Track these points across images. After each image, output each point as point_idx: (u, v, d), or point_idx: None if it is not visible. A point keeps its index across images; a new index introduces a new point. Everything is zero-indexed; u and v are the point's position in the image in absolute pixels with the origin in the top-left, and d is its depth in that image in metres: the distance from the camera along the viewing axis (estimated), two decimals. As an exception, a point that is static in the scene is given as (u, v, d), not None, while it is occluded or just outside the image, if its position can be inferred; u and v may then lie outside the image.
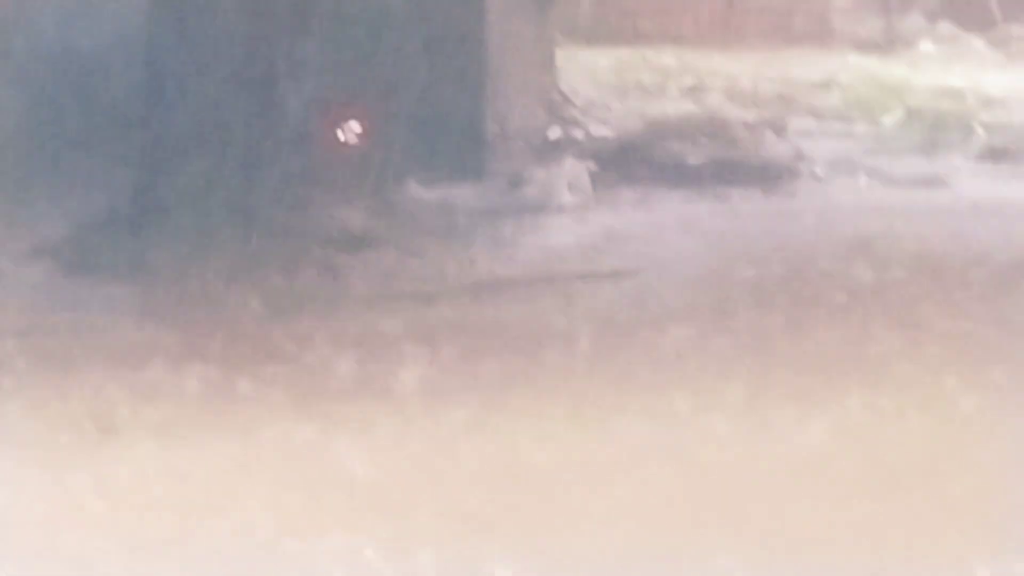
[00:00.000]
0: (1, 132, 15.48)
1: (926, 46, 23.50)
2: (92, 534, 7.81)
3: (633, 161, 16.92)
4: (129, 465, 8.70)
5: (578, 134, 17.90)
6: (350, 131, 15.35)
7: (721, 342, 11.20)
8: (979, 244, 14.44)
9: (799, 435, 9.55)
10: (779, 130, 18.14)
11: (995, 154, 17.59)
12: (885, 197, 16.46)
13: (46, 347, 11.33)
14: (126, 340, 11.60)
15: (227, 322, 12.13)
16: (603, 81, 20.58)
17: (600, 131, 18.18)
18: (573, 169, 16.41)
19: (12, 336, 11.45)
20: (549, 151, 17.14)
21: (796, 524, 7.91)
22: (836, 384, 10.44)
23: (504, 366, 10.63)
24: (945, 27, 24.66)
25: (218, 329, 11.82)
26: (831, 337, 11.45)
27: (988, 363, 10.51)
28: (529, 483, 8.83)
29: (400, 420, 9.86)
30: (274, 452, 9.21)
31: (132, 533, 7.82)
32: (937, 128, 18.64)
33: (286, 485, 8.84)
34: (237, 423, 9.72)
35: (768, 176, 16.59)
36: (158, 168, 14.34)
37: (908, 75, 21.88)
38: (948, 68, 22.54)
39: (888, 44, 23.20)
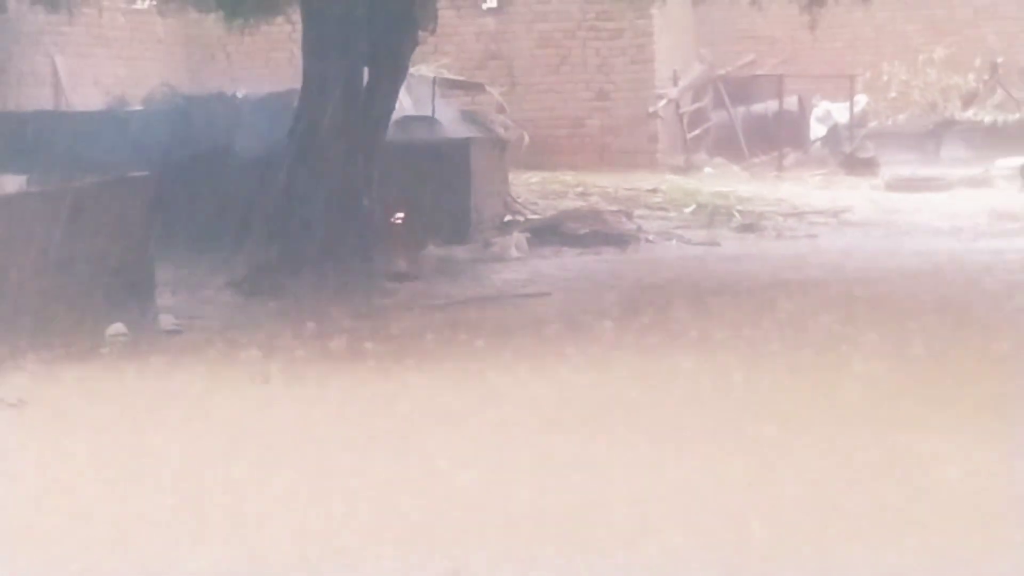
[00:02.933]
0: (204, 218, 15.25)
1: (708, 170, 23.05)
2: (252, 430, 8.61)
3: (549, 233, 17.42)
4: (279, 398, 9.54)
5: (520, 218, 18.19)
6: (398, 218, 15.73)
7: (597, 325, 11.99)
8: (735, 276, 15.04)
9: (638, 369, 10.37)
10: (629, 215, 18.66)
11: (744, 228, 18.11)
12: (685, 251, 17.07)
13: (233, 336, 11.82)
14: (275, 333, 11.83)
15: (334, 321, 12.36)
16: (533, 189, 20.46)
17: (532, 217, 18.68)
18: (518, 238, 16.98)
19: (216, 332, 12.17)
20: (505, 228, 17.65)
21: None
22: (656, 338, 11.22)
23: (486, 341, 11.50)
24: (718, 160, 23.92)
25: (329, 325, 12.14)
26: (657, 319, 12.12)
27: (739, 334, 11.01)
28: (501, 393, 9.68)
29: (431, 365, 10.65)
30: (373, 386, 9.96)
31: (274, 431, 8.55)
32: (714, 214, 19.16)
33: (391, 402, 9.57)
34: (337, 375, 10.44)
35: (623, 240, 17.19)
36: (291, 238, 14.40)
37: (698, 185, 21.83)
38: (720, 182, 21.76)
39: (687, 169, 22.66)
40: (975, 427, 8.37)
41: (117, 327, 11.62)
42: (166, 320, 12.40)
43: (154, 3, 17.62)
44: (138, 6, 18.17)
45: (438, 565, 6.29)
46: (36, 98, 17.87)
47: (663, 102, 23.48)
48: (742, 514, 6.76)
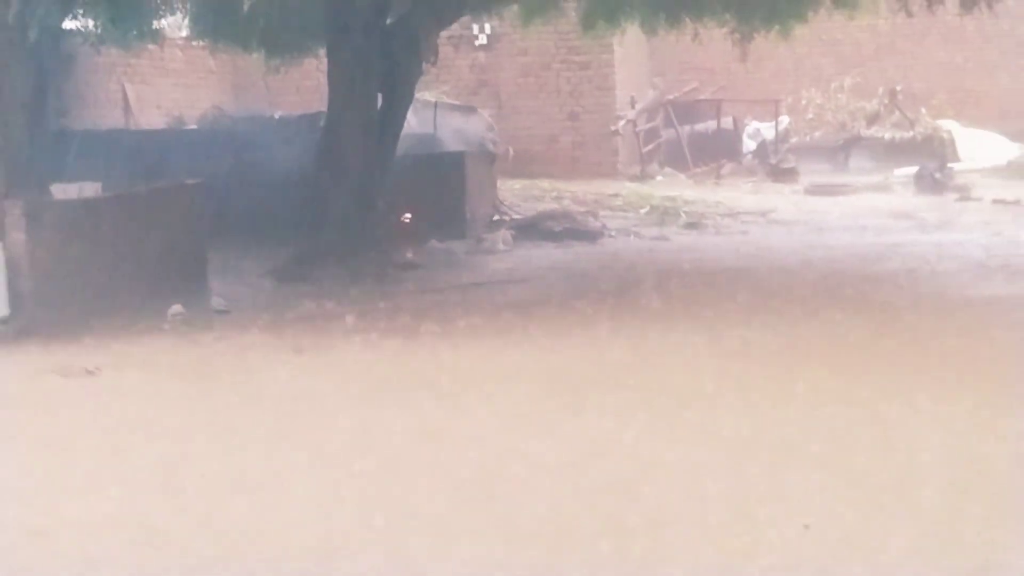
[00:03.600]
0: (247, 218, 15.24)
1: (659, 178, 23.02)
2: (288, 392, 8.89)
3: (530, 230, 17.48)
4: (310, 365, 9.73)
5: (506, 218, 18.33)
6: (405, 217, 15.96)
7: (568, 301, 12.34)
8: (681, 263, 14.96)
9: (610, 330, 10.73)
10: (595, 215, 18.70)
11: (689, 225, 18.35)
12: (641, 244, 17.16)
13: (271, 315, 11.88)
14: (305, 313, 11.96)
15: (353, 302, 12.40)
16: (517, 194, 20.26)
17: (516, 216, 18.53)
18: (504, 234, 17.04)
19: (257, 312, 12.18)
20: (493, 226, 17.72)
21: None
22: (617, 310, 11.61)
23: (479, 317, 11.63)
24: (667, 170, 23.85)
25: (349, 305, 12.17)
26: (618, 297, 12.44)
27: (686, 307, 11.49)
28: (491, 356, 10.09)
29: (433, 335, 10.76)
30: (387, 353, 10.15)
31: (307, 393, 8.85)
32: (664, 214, 19.30)
33: (404, 363, 10.04)
34: (357, 345, 10.52)
35: (590, 236, 17.24)
36: (318, 234, 14.66)
37: (651, 191, 21.71)
38: (669, 188, 22.01)
39: (642, 177, 22.53)
40: (857, 373, 8.79)
41: (176, 308, 11.79)
42: (216, 302, 12.53)
43: (202, 42, 17.60)
44: (193, 44, 18.24)
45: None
46: (110, 119, 18.15)
47: (622, 122, 23.60)
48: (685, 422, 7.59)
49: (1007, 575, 5.36)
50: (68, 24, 14.85)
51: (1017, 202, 19.58)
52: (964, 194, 20.82)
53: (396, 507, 6.35)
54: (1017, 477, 6.51)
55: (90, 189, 12.83)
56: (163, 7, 15.18)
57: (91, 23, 14.30)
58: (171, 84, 19.93)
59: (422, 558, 5.65)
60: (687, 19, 16.08)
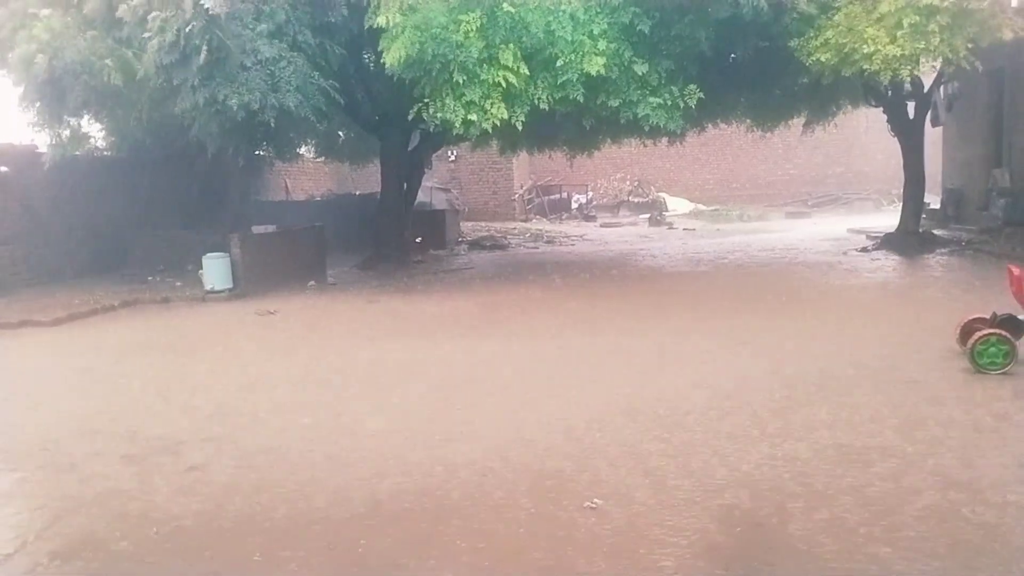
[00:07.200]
0: (344, 240, 14.59)
1: (534, 221, 22.47)
2: (370, 322, 8.71)
3: (476, 245, 16.82)
4: (380, 308, 9.33)
5: (465, 240, 17.43)
6: (418, 239, 15.04)
7: (493, 275, 11.93)
8: (546, 257, 14.26)
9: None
10: (505, 238, 17.71)
11: (548, 242, 17.33)
12: (527, 251, 16.00)
13: (358, 285, 11.45)
14: (372, 284, 11.42)
15: (394, 279, 11.87)
16: (469, 229, 19.22)
17: (469, 239, 17.65)
18: (463, 247, 16.62)
19: (350, 284, 11.68)
20: (459, 243, 17.09)
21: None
22: (518, 280, 11.31)
23: (455, 285, 11.12)
24: (537, 217, 23.36)
25: (393, 282, 11.67)
26: (518, 275, 11.96)
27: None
28: (465, 302, 9.90)
29: (438, 294, 10.68)
30: (414, 303, 9.73)
31: (379, 322, 8.53)
32: (536, 237, 18.17)
33: (422, 310, 9.82)
34: (399, 298, 10.12)
35: (503, 247, 16.61)
36: (378, 248, 13.65)
37: (530, 227, 20.63)
38: (538, 225, 21.05)
39: (526, 221, 22.29)
40: (610, 301, 8.82)
41: (311, 283, 11.63)
42: (330, 279, 12.13)
43: (321, 159, 17.84)
44: (317, 160, 17.86)
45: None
46: (277, 195, 17.66)
47: (517, 194, 23.20)
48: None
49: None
50: (259, 152, 14.68)
51: (694, 229, 19.65)
52: (670, 226, 20.46)
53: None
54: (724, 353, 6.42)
55: (268, 228, 12.40)
56: (300, 143, 15.11)
57: (267, 151, 14.48)
58: (307, 178, 19.52)
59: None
60: (545, 149, 16.36)
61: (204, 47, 8.43)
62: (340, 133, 15.47)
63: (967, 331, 5.60)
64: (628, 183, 24.89)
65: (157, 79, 8.78)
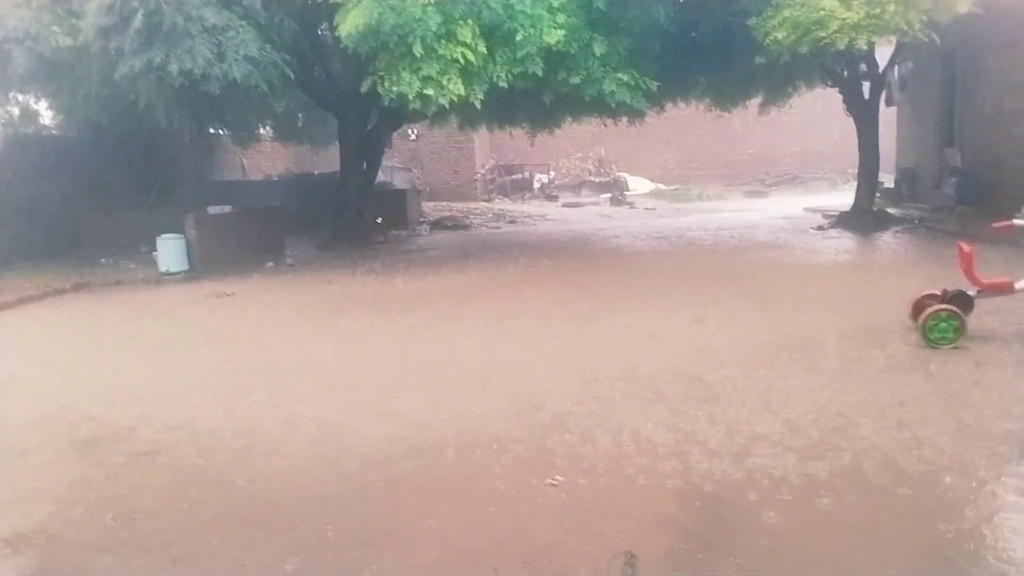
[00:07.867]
0: (302, 220, 14.29)
1: (496, 201, 22.26)
2: (324, 302, 8.95)
3: (437, 225, 16.51)
4: (335, 289, 9.51)
5: (426, 219, 17.17)
6: (378, 219, 14.81)
7: (455, 256, 11.71)
8: (510, 237, 14.09)
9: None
10: (467, 217, 17.63)
11: (510, 222, 17.13)
12: (489, 230, 15.76)
13: (316, 266, 11.21)
14: (331, 265, 11.22)
15: (354, 260, 11.62)
16: (431, 208, 19.06)
17: (431, 219, 17.34)
18: (425, 227, 16.37)
19: (307, 264, 11.41)
20: (420, 223, 16.73)
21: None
22: (483, 259, 11.25)
23: (417, 265, 10.95)
24: (499, 197, 22.97)
25: (352, 261, 11.49)
26: (482, 253, 11.79)
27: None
28: (430, 282, 9.77)
29: (400, 275, 10.47)
30: (374, 284, 9.74)
31: (334, 302, 8.63)
32: (499, 216, 18.06)
33: (385, 290, 9.74)
34: (360, 279, 9.91)
35: (467, 227, 16.35)
36: (337, 227, 13.56)
37: (492, 206, 20.45)
38: (501, 206, 20.88)
39: (489, 200, 22.05)
40: (571, 277, 8.79)
41: (269, 264, 11.52)
42: (289, 260, 12.00)
43: (281, 140, 17.26)
44: (274, 140, 17.36)
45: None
46: (233, 175, 17.08)
47: (479, 174, 23.00)
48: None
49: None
50: (213, 131, 14.33)
51: (655, 209, 19.51)
52: (631, 206, 20.41)
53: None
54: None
55: (223, 208, 12.19)
56: (258, 124, 14.80)
57: (223, 131, 14.21)
58: (264, 158, 19.02)
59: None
60: (506, 126, 16.17)
61: (141, 10, 8.29)
62: (300, 115, 15.20)
63: (919, 307, 5.65)
64: (590, 163, 24.79)
65: (96, 43, 8.60)
